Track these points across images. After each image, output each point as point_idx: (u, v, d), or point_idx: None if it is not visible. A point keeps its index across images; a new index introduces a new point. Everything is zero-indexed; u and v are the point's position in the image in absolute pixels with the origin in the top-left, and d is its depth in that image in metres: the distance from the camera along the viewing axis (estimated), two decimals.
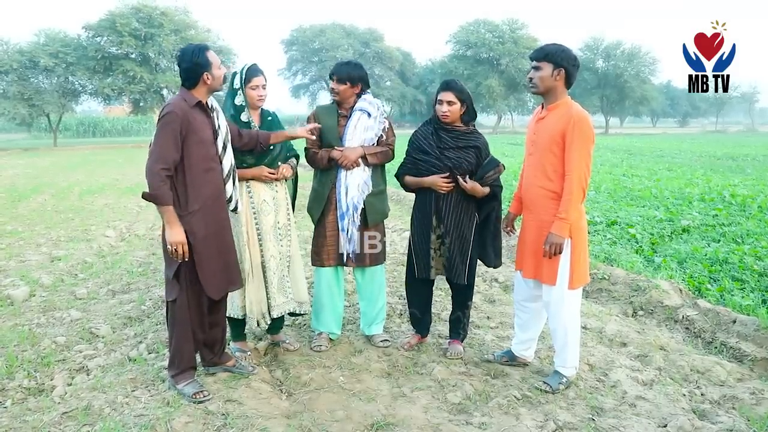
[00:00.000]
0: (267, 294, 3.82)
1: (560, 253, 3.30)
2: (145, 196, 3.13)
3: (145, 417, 3.04)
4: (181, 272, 3.26)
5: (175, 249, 3.14)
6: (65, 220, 9.55)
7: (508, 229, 3.87)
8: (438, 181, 3.78)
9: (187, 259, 3.21)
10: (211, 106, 3.36)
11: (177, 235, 3.14)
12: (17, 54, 34.92)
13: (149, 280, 5.84)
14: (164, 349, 3.93)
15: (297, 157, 4.01)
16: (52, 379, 3.63)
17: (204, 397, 3.27)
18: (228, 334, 3.83)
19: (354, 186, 3.90)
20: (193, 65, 3.22)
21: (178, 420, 3.01)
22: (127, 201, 11.69)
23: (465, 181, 3.73)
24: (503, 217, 3.94)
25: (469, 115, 3.84)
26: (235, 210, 3.52)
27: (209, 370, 3.61)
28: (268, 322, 3.89)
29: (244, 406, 3.20)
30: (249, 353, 3.89)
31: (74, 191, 13.30)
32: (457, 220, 3.85)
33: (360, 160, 3.89)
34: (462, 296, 4.03)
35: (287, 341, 4.12)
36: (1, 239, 7.94)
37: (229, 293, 3.63)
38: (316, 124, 3.87)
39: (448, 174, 3.76)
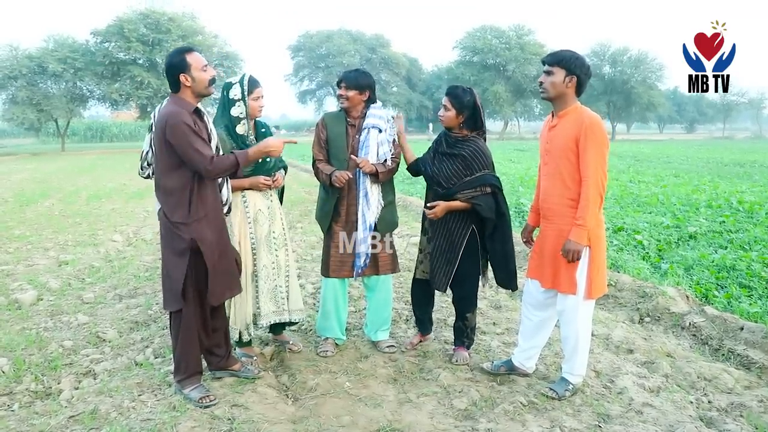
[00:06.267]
0: (257, 304, 3.82)
1: (578, 260, 3.26)
2: (233, 177, 3.33)
3: (151, 421, 3.05)
4: (188, 281, 3.26)
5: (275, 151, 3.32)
6: (73, 224, 9.60)
7: (526, 240, 3.83)
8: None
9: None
10: (203, 111, 3.37)
11: (271, 143, 3.29)
12: (26, 59, 35.25)
13: (156, 284, 5.85)
14: (171, 354, 3.93)
15: (285, 168, 4.03)
16: (59, 383, 3.64)
17: (210, 401, 3.27)
18: (233, 339, 3.84)
19: (372, 209, 3.91)
20: (169, 66, 3.20)
21: (184, 424, 3.01)
22: (135, 205, 11.74)
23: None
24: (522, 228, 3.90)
25: (467, 124, 3.79)
26: (227, 213, 3.54)
27: (215, 374, 3.62)
28: (251, 334, 3.89)
29: (250, 411, 3.21)
30: (255, 358, 3.90)
31: (82, 196, 13.38)
32: (446, 226, 3.83)
33: (371, 176, 3.91)
34: (459, 306, 4.01)
35: (291, 341, 4.15)
36: (9, 243, 7.99)
37: None
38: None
39: (432, 204, 3.80)
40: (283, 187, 4.09)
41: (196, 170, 3.14)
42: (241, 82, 3.67)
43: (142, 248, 7.76)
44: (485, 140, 3.90)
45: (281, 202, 4.07)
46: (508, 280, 3.86)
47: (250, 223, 3.76)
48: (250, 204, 3.76)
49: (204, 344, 3.48)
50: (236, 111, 3.67)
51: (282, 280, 3.91)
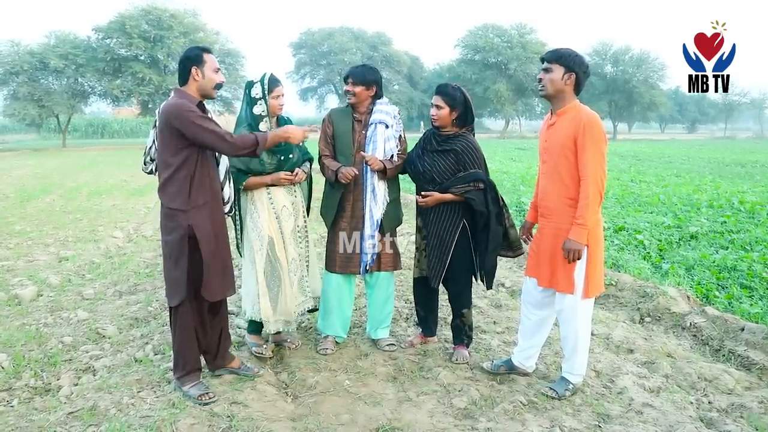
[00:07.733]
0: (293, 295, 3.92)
1: (579, 259, 3.25)
2: (257, 152, 3.28)
3: (150, 418, 3.04)
4: (186, 274, 3.24)
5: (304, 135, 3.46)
6: (73, 220, 9.60)
7: (524, 237, 3.84)
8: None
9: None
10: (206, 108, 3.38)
11: (290, 130, 3.38)
12: (28, 55, 35.15)
13: (156, 281, 5.85)
14: (170, 351, 3.93)
15: (311, 160, 4.04)
16: (58, 379, 3.65)
17: (209, 399, 3.26)
18: (270, 332, 3.87)
19: (378, 205, 3.93)
20: (184, 58, 3.26)
21: (183, 421, 3.01)
22: (135, 202, 11.74)
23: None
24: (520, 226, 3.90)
25: (461, 120, 3.83)
26: (229, 213, 3.56)
27: (215, 372, 3.62)
28: (297, 319, 4.02)
29: (249, 409, 3.20)
30: (265, 345, 3.98)
31: (82, 192, 13.37)
32: (437, 222, 3.85)
33: (378, 172, 3.91)
34: (454, 303, 4.02)
35: (289, 339, 4.18)
36: (9, 239, 7.99)
37: (252, 296, 3.75)
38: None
39: (426, 194, 3.82)
40: (311, 180, 4.12)
41: (216, 150, 3.25)
42: (261, 81, 3.75)
43: (142, 245, 7.76)
44: (474, 136, 3.93)
45: (311, 195, 4.13)
46: (487, 278, 3.89)
47: (276, 218, 3.82)
48: (275, 201, 3.82)
49: (202, 342, 3.48)
50: (258, 109, 3.75)
51: (305, 270, 4.02)
